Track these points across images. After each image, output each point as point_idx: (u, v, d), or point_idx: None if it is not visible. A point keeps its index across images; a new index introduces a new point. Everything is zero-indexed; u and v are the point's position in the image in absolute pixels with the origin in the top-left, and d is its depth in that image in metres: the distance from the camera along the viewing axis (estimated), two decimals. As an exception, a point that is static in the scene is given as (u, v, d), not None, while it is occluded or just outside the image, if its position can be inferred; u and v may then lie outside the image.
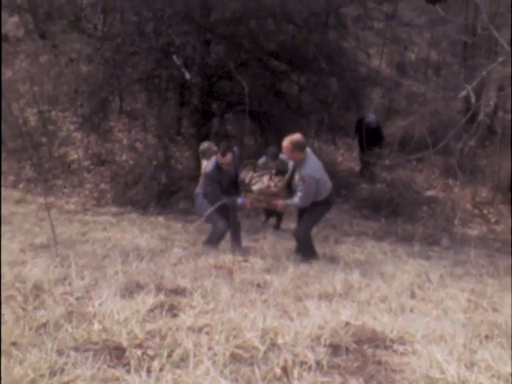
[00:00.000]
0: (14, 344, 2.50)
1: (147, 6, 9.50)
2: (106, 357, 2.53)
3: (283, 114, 11.77)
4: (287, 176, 6.01)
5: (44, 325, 2.96)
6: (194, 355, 2.59)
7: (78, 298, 3.52)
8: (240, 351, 2.75)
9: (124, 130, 13.17)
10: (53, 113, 13.33)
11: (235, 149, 6.40)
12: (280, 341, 2.97)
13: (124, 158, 12.30)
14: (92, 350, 2.59)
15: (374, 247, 7.46)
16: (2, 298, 3.30)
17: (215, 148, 6.91)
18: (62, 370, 2.28)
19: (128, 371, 2.39)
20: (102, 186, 11.21)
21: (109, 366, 2.42)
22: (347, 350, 2.99)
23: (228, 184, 6.33)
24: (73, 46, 12.87)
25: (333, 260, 6.08)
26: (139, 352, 2.64)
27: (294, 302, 3.88)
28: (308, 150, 5.78)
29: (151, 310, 3.29)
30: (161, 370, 2.47)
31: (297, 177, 5.76)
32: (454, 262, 6.76)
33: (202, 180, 6.57)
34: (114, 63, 10.00)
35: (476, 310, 4.18)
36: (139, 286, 3.91)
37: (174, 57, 9.86)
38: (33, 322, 2.99)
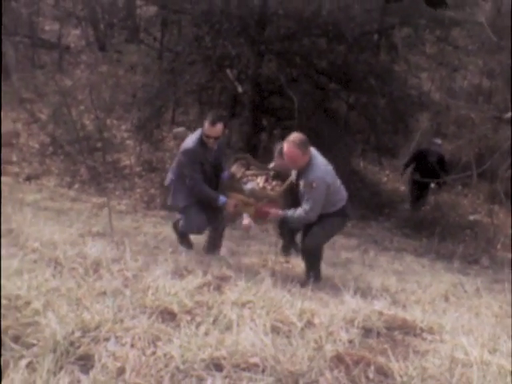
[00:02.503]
0: (79, 299, 2.80)
1: (205, 19, 9.95)
2: (158, 318, 2.81)
3: (331, 132, 12.00)
4: (288, 182, 4.98)
5: (103, 293, 3.27)
6: (238, 324, 2.85)
7: (132, 276, 3.83)
8: (279, 324, 2.99)
9: (175, 140, 13.64)
10: (108, 120, 13.91)
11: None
12: (316, 320, 3.19)
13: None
14: (146, 313, 2.88)
15: (412, 261, 7.58)
16: (65, 270, 3.63)
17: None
18: (122, 321, 2.57)
19: (178, 329, 2.66)
20: (152, 191, 11.64)
21: (162, 323, 2.70)
22: (378, 333, 3.19)
23: (210, 171, 5.14)
24: (131, 57, 13.45)
25: (371, 268, 6.26)
26: (188, 317, 2.90)
27: (330, 295, 4.11)
28: (312, 149, 4.73)
29: (199, 287, 3.56)
30: (206, 334, 2.73)
31: (301, 185, 4.72)
32: (491, 280, 6.83)
33: (175, 161, 5.36)
34: (170, 74, 10.49)
35: (508, 316, 4.30)
36: (187, 271, 4.21)
37: (228, 70, 10.28)
38: (93, 290, 3.31)
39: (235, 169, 5.13)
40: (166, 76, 10.69)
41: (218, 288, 3.64)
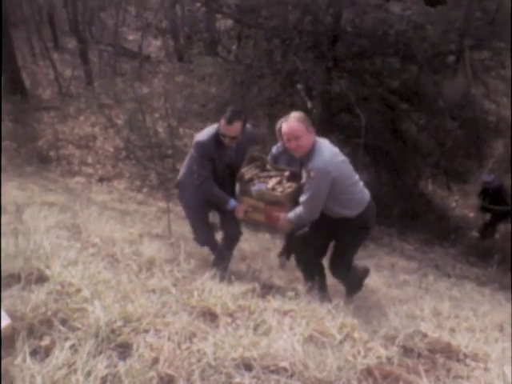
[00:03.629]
0: (126, 293, 2.94)
1: (277, 34, 10.13)
2: (199, 317, 2.91)
3: (399, 153, 11.88)
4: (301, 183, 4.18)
5: (152, 290, 3.42)
6: (277, 331, 2.91)
7: (182, 277, 3.97)
8: (317, 335, 3.02)
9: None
10: (180, 129, 14.32)
11: (248, 125, 4.54)
12: (356, 335, 3.20)
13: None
14: (189, 311, 2.99)
15: (473, 289, 7.36)
16: (120, 265, 3.82)
17: None
18: (164, 316, 2.69)
19: (215, 329, 2.75)
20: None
21: (202, 322, 2.80)
22: (419, 354, 3.16)
23: (223, 171, 4.57)
24: (206, 68, 13.81)
25: (427, 291, 6.15)
26: (228, 319, 2.99)
27: (376, 312, 4.10)
28: (319, 138, 3.99)
29: (244, 293, 3.65)
30: (242, 336, 2.80)
31: (304, 175, 4.04)
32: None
33: (189, 154, 4.83)
34: (240, 86, 10.73)
35: None
36: (237, 277, 4.31)
37: (299, 85, 10.40)
38: (142, 286, 3.46)
39: (246, 170, 4.50)
40: (237, 88, 10.93)
41: (263, 295, 3.72)
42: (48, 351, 2.22)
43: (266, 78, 10.53)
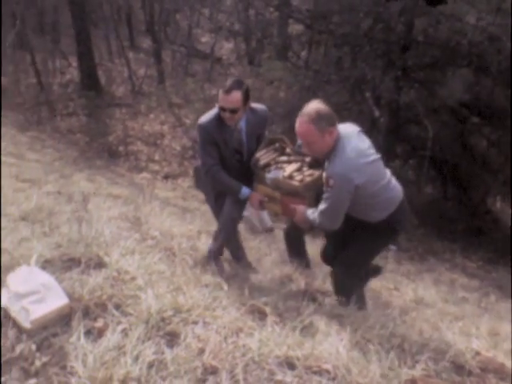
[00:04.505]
0: (179, 284, 3.02)
1: (347, 40, 10.10)
2: (248, 314, 2.96)
3: (467, 167, 11.58)
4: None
5: (205, 285, 3.49)
6: (323, 334, 2.92)
7: (235, 274, 4.04)
8: (365, 342, 3.01)
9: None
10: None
11: (262, 106, 4.07)
12: (406, 346, 3.16)
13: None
14: (238, 308, 3.04)
15: (540, 315, 7.07)
16: (176, 259, 3.92)
17: None
18: (214, 309, 2.75)
19: (263, 327, 2.79)
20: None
21: (250, 319, 2.84)
22: (470, 372, 3.08)
23: (232, 157, 3.97)
24: (276, 73, 13.91)
25: (486, 310, 5.97)
26: (277, 319, 3.02)
27: (430, 326, 4.03)
28: (345, 130, 3.38)
29: (296, 295, 3.68)
30: (288, 335, 2.83)
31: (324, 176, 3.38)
32: None
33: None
34: (308, 91, 10.74)
35: None
36: (290, 279, 4.35)
37: (367, 93, 10.32)
38: (196, 280, 3.54)
39: (263, 154, 3.85)
40: (305, 93, 10.95)
41: (314, 299, 3.73)
42: (101, 333, 2.32)
43: (334, 84, 10.51)
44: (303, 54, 13.10)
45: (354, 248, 3.65)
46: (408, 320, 4.09)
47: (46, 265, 2.74)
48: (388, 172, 3.53)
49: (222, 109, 3.72)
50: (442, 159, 11.53)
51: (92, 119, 15.19)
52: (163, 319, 2.46)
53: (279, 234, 6.22)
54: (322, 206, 3.39)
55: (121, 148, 13.94)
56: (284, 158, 3.83)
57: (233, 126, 3.82)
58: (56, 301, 2.39)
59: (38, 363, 2.14)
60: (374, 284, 5.59)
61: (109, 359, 2.15)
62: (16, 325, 2.31)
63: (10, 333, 2.27)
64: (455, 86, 9.57)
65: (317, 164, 3.67)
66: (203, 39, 21.76)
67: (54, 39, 18.97)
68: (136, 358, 2.18)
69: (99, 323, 2.38)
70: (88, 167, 10.33)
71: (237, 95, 3.67)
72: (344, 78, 10.32)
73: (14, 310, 2.35)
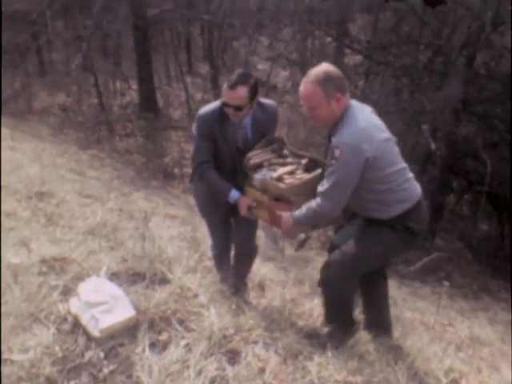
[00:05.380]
0: (239, 305, 3.07)
1: (407, 72, 10.09)
2: (306, 337, 2.98)
3: (526, 204, 11.27)
4: (315, 173, 3.14)
5: (264, 308, 3.54)
6: (381, 363, 2.90)
7: (291, 299, 4.06)
8: (422, 375, 2.98)
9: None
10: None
11: (272, 103, 3.57)
12: (463, 382, 3.11)
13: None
14: (296, 331, 3.06)
15: None
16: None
17: None
18: (272, 331, 2.78)
19: (321, 351, 2.80)
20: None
21: (308, 343, 2.87)
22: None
23: (233, 157, 3.45)
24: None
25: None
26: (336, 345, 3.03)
27: (487, 362, 3.93)
28: (355, 102, 2.95)
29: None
30: (346, 361, 2.82)
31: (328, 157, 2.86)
32: None
33: None
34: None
35: None
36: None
37: (424, 126, 10.24)
38: (256, 303, 3.61)
39: (257, 153, 3.36)
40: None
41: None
42: (165, 346, 2.39)
43: (391, 115, 10.48)
44: (360, 83, 13.12)
45: (358, 240, 3.01)
46: (464, 357, 4.01)
47: (113, 277, 2.84)
48: (404, 164, 2.97)
49: (225, 105, 3.28)
50: (499, 195, 11.24)
51: (149, 140, 15.56)
52: (225, 337, 2.52)
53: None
54: (323, 185, 2.83)
55: (176, 170, 14.20)
56: (279, 160, 3.34)
57: (237, 123, 3.37)
58: (124, 312, 2.47)
59: (105, 370, 2.22)
60: (427, 318, 5.50)
61: (173, 372, 2.22)
62: (86, 332, 2.41)
63: (80, 340, 2.36)
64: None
65: (314, 167, 3.21)
66: (259, 66, 22.08)
67: (116, 62, 19.61)
68: (199, 373, 2.24)
69: (163, 336, 2.45)
70: (144, 187, 10.56)
71: (242, 91, 3.20)
72: (402, 109, 10.28)
73: (85, 318, 2.44)
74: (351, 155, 2.67)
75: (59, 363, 2.25)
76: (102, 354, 2.31)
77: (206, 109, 3.39)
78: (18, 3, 15.34)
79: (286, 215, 3.06)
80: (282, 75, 21.64)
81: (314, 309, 3.78)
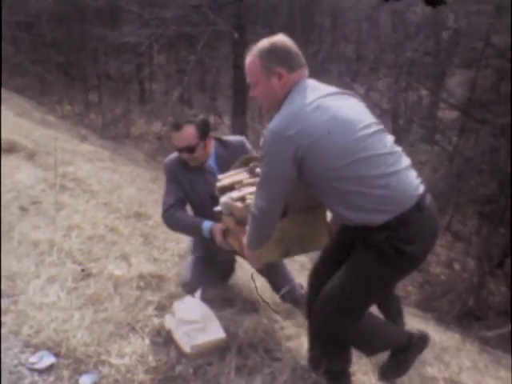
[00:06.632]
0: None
1: (506, 132, 9.84)
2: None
3: None
4: None
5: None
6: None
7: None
8: None
9: (445, 247, 13.41)
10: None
11: (240, 138, 3.31)
12: None
13: (438, 270, 12.57)
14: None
15: None
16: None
17: None
18: (354, 374, 2.80)
19: None
20: (410, 288, 11.65)
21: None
22: None
23: (204, 203, 3.11)
24: (423, 155, 13.80)
25: None
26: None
27: None
28: (312, 82, 2.33)
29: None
30: None
31: None
32: None
33: None
34: (455, 178, 10.55)
35: None
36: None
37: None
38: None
39: (230, 175, 2.92)
40: (452, 179, 10.78)
41: None
42: (251, 371, 2.48)
43: (485, 174, 10.24)
44: (454, 139, 12.92)
45: (340, 274, 2.37)
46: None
47: (205, 300, 2.97)
48: (397, 158, 2.23)
49: (177, 149, 3.08)
50: None
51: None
52: (309, 372, 2.56)
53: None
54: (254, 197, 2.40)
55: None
56: (252, 180, 2.78)
57: (201, 169, 3.11)
58: (215, 333, 2.58)
59: (193, 386, 2.33)
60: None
61: (257, 397, 2.29)
62: (177, 347, 2.53)
63: (172, 353, 2.50)
64: None
65: None
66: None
67: (212, 97, 20.36)
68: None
69: (250, 362, 2.53)
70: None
71: (189, 131, 2.99)
72: (497, 169, 10.02)
73: (178, 334, 2.58)
74: (274, 144, 2.18)
75: (151, 372, 2.39)
76: (191, 370, 2.42)
77: (170, 156, 3.22)
78: (130, 36, 16.32)
79: (244, 239, 2.58)
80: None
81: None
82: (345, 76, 17.16)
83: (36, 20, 18.54)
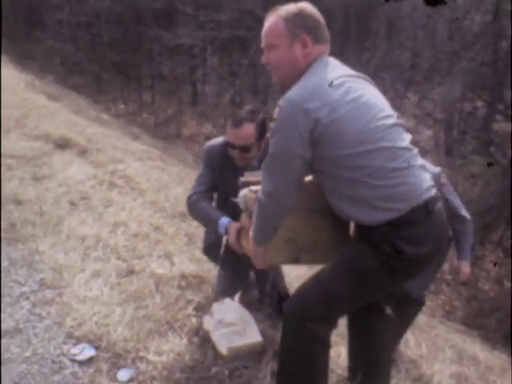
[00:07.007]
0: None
1: None
2: None
3: None
4: None
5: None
6: None
7: (411, 360, 3.97)
8: None
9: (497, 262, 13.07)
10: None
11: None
12: None
13: (487, 287, 12.26)
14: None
15: None
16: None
17: None
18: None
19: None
20: (457, 303, 11.39)
21: None
22: None
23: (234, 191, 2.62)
24: (475, 168, 13.50)
25: None
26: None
27: None
28: (333, 60, 2.17)
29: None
30: None
31: None
32: None
33: None
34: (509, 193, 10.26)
35: None
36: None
37: None
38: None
39: (252, 173, 2.64)
40: (505, 194, 10.49)
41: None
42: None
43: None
44: (509, 152, 12.55)
45: (321, 270, 2.20)
46: None
47: (243, 303, 2.98)
48: (414, 155, 2.12)
49: (230, 146, 2.87)
50: None
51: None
52: (344, 379, 2.54)
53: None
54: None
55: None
56: None
57: (241, 168, 2.87)
58: (252, 336, 2.59)
59: (229, 388, 2.34)
60: None
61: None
62: (214, 349, 2.55)
63: (209, 354, 2.52)
64: None
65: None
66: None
67: (264, 100, 20.41)
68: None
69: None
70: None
71: (249, 129, 2.79)
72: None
73: (215, 335, 2.60)
74: (290, 115, 1.96)
75: (188, 371, 2.41)
76: (226, 372, 2.43)
77: (212, 142, 3.04)
78: (184, 38, 16.57)
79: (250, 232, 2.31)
80: (424, 133, 21.24)
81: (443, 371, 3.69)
82: (398, 84, 16.95)
83: (95, 20, 19.01)
